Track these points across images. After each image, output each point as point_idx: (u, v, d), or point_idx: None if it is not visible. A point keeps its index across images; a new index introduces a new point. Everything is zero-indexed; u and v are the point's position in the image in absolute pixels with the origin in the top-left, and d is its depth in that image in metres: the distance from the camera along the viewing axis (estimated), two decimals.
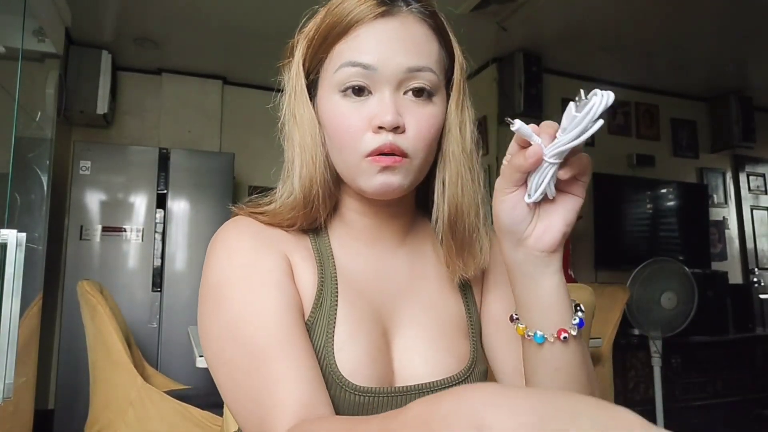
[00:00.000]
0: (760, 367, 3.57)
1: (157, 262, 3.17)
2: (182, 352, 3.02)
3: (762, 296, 4.24)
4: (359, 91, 0.59)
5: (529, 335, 0.55)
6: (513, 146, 0.51)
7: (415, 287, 0.67)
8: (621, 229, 3.83)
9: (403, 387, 0.60)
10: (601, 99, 0.45)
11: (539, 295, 0.54)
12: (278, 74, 0.68)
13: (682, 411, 3.20)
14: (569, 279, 3.30)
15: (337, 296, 0.61)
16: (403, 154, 0.58)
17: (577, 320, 0.55)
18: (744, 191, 4.59)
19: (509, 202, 0.52)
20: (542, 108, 3.58)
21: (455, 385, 0.62)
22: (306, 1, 0.65)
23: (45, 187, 2.51)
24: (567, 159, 0.49)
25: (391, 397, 0.59)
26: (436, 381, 0.62)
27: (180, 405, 1.75)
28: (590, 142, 4.30)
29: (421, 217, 0.71)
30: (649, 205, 4.01)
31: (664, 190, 4.10)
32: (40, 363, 2.43)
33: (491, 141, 3.67)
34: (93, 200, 3.09)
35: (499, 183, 0.52)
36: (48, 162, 2.54)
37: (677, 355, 3.26)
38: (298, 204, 0.62)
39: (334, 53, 0.60)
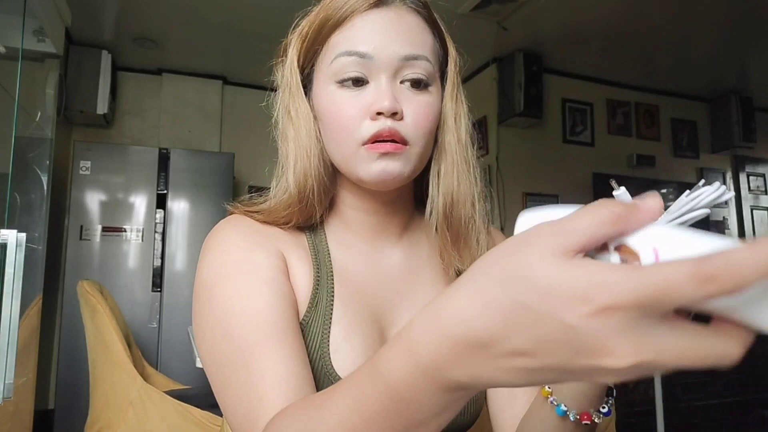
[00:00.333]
0: (760, 367, 3.57)
1: (157, 262, 3.17)
2: (182, 352, 3.02)
3: None
4: (355, 81, 0.59)
5: (553, 403, 0.50)
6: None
7: (411, 285, 0.66)
8: None
9: None
10: (715, 189, 0.34)
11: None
12: (272, 74, 0.68)
13: (682, 411, 3.20)
14: None
15: (333, 296, 0.61)
16: (403, 141, 0.58)
17: (606, 409, 0.50)
18: (744, 191, 4.59)
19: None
20: (542, 108, 3.59)
21: None
22: (306, 2, 0.66)
23: (45, 187, 2.51)
24: None
25: None
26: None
27: (180, 405, 1.75)
28: (590, 142, 4.29)
29: (418, 214, 0.71)
30: None
31: (664, 191, 4.10)
32: (40, 363, 2.43)
33: (491, 141, 3.67)
34: (93, 200, 3.09)
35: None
36: (48, 162, 2.54)
37: None
38: (293, 199, 0.62)
39: (330, 45, 0.60)
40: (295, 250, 0.63)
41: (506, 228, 3.49)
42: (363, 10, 0.59)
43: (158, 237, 3.19)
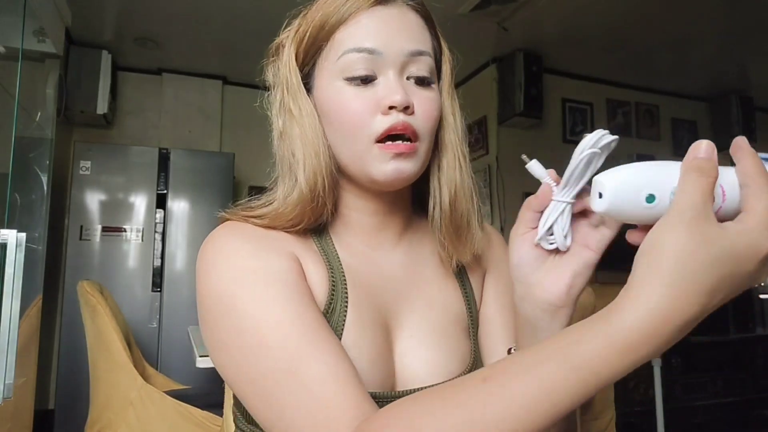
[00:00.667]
0: (760, 367, 3.57)
1: (157, 262, 3.17)
2: (182, 352, 3.02)
3: (762, 296, 4.23)
4: (365, 79, 0.59)
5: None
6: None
7: (414, 286, 0.66)
8: (622, 229, 3.82)
9: (403, 391, 0.59)
10: (595, 134, 0.42)
11: (532, 327, 0.52)
12: (262, 73, 0.68)
13: (682, 411, 3.20)
14: None
15: (347, 301, 0.60)
16: (414, 135, 0.58)
17: None
18: None
19: (520, 243, 0.51)
20: (542, 108, 3.58)
21: None
22: (305, 1, 0.65)
23: (45, 187, 2.51)
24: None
25: (391, 402, 0.58)
26: (438, 384, 0.61)
27: (180, 405, 1.75)
28: None
29: (416, 213, 0.71)
30: None
31: None
32: (40, 363, 2.43)
33: (491, 141, 3.67)
34: (93, 200, 3.09)
35: (515, 225, 0.52)
36: (48, 162, 2.54)
37: (677, 355, 3.26)
38: (305, 198, 0.60)
39: (335, 41, 0.60)
40: (309, 254, 0.61)
41: (506, 228, 3.49)
42: (367, 7, 0.59)
43: (158, 237, 3.19)
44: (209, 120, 3.85)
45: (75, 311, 2.28)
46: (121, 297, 2.82)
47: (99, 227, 3.08)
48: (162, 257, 3.17)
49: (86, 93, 3.26)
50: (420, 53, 0.60)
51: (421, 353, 0.62)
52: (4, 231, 1.52)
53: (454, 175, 0.64)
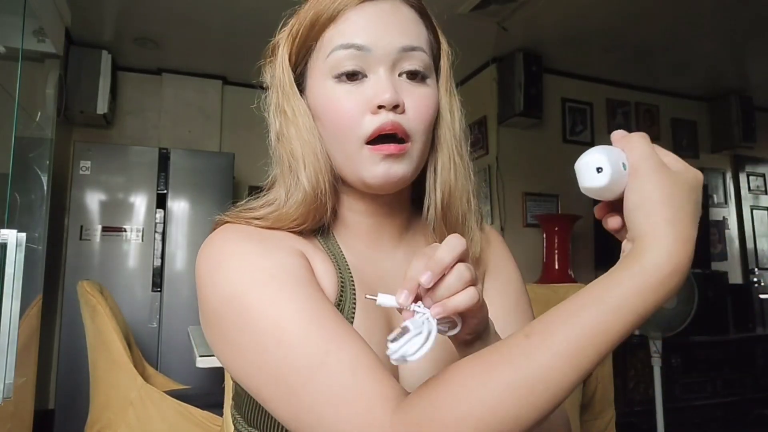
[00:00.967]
0: (760, 367, 3.57)
1: (157, 262, 3.17)
2: (182, 352, 3.02)
3: (762, 296, 4.24)
4: (352, 75, 0.57)
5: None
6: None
7: None
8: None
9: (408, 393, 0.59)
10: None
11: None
12: (260, 74, 0.67)
13: (682, 411, 3.20)
14: (569, 279, 3.30)
15: (355, 302, 0.59)
16: (405, 134, 0.57)
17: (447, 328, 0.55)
18: (744, 191, 4.59)
19: None
20: (542, 108, 3.58)
21: None
22: (303, 1, 0.65)
23: (45, 187, 2.51)
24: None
25: None
26: None
27: (180, 405, 1.75)
28: (590, 142, 4.30)
29: (416, 215, 0.70)
30: None
31: None
32: (40, 363, 2.43)
33: (491, 141, 3.67)
34: (93, 200, 3.09)
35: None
36: (48, 162, 2.54)
37: (677, 355, 3.26)
38: (308, 198, 0.59)
39: (324, 40, 0.59)
40: (316, 252, 0.61)
41: (506, 228, 3.49)
42: (357, 3, 0.58)
43: (158, 237, 3.19)
44: (209, 120, 3.85)
45: (75, 311, 2.28)
46: (121, 297, 2.82)
47: (99, 227, 3.08)
48: (162, 257, 3.17)
49: (86, 93, 3.26)
50: (412, 49, 0.58)
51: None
52: (4, 231, 1.52)
53: (448, 176, 0.62)
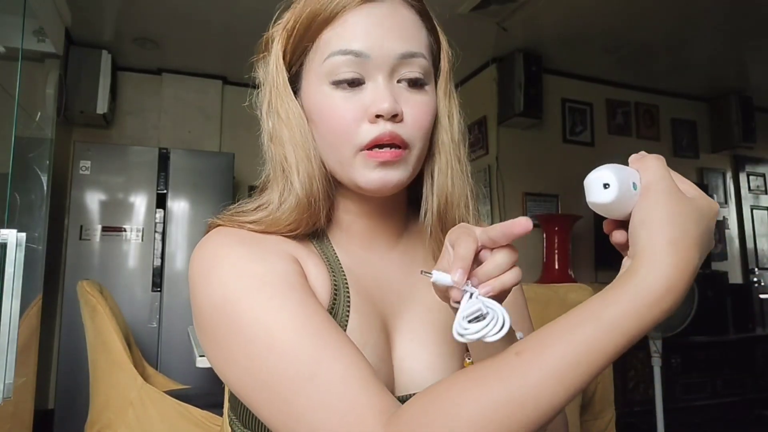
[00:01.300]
0: (760, 367, 3.57)
1: (157, 262, 3.17)
2: (182, 352, 3.02)
3: (762, 296, 4.24)
4: (351, 82, 0.56)
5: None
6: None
7: (411, 290, 0.65)
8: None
9: (403, 396, 0.58)
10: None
11: (477, 342, 0.55)
12: (252, 70, 0.66)
13: (682, 411, 3.20)
14: (569, 279, 3.30)
15: (349, 305, 0.59)
16: (403, 144, 0.56)
17: None
18: (744, 191, 4.59)
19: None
20: (542, 108, 3.58)
21: None
22: None
23: (45, 187, 2.51)
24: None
25: None
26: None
27: (180, 405, 1.75)
28: (590, 142, 4.29)
29: (413, 216, 0.69)
30: None
31: None
32: (40, 363, 2.43)
33: (491, 141, 3.67)
34: (93, 200, 3.09)
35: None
36: (48, 162, 2.54)
37: (677, 355, 3.26)
38: (302, 203, 0.58)
39: (321, 42, 0.57)
40: (309, 257, 0.60)
41: None
42: (356, 4, 0.56)
43: (158, 237, 3.19)
44: (209, 120, 3.85)
45: (75, 311, 2.28)
46: (121, 297, 2.82)
47: (99, 227, 3.08)
48: (162, 257, 3.17)
49: (86, 93, 3.26)
50: (412, 55, 0.57)
51: (421, 357, 0.61)
52: (4, 231, 1.52)
53: (445, 181, 0.62)
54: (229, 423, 0.64)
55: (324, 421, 0.45)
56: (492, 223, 0.54)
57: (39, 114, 2.66)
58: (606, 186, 0.44)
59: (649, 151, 0.48)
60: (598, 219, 4.08)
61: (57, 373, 2.95)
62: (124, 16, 3.09)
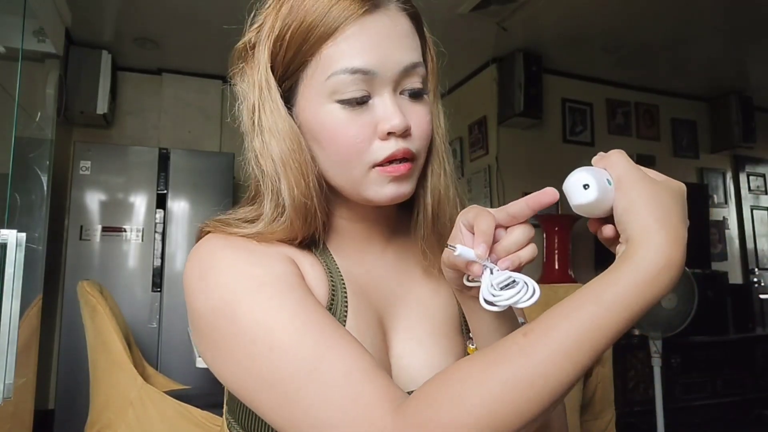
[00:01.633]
0: (760, 367, 3.57)
1: (157, 262, 3.17)
2: (182, 352, 3.02)
3: (762, 296, 4.24)
4: (361, 101, 0.55)
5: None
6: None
7: (407, 287, 0.65)
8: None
9: None
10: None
11: (483, 327, 0.56)
12: (229, 80, 0.61)
13: (682, 411, 3.20)
14: (569, 279, 3.30)
15: (346, 306, 0.59)
16: (413, 157, 0.57)
17: None
18: (744, 191, 4.59)
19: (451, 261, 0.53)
20: (542, 108, 3.58)
21: None
22: None
23: (45, 187, 2.51)
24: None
25: None
26: None
27: (180, 405, 1.75)
28: (590, 142, 4.28)
29: (403, 217, 0.69)
30: None
31: None
32: (40, 363, 2.43)
33: (491, 141, 3.67)
34: (93, 200, 3.09)
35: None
36: (48, 162, 2.54)
37: (677, 355, 3.26)
38: (295, 223, 0.57)
39: (322, 57, 0.54)
40: (306, 258, 0.60)
41: None
42: (356, 17, 0.54)
43: (158, 237, 3.19)
44: (209, 120, 3.85)
45: (75, 311, 2.28)
46: (121, 297, 2.82)
47: (99, 227, 3.08)
48: (162, 257, 3.17)
49: (86, 93, 3.26)
50: (414, 66, 0.56)
51: (418, 355, 0.61)
52: (4, 231, 1.52)
53: (438, 181, 0.62)
54: (227, 425, 0.64)
55: (331, 415, 0.45)
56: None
57: (39, 114, 2.66)
58: (586, 187, 0.46)
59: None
60: (593, 233, 4.07)
61: (57, 373, 2.95)
62: (124, 16, 3.08)
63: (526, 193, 0.49)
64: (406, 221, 0.68)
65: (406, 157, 0.56)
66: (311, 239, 0.62)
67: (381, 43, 0.55)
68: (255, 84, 0.58)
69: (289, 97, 0.58)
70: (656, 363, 2.51)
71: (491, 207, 0.53)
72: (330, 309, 0.58)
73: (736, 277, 4.36)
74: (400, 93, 0.57)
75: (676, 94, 4.28)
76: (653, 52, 3.60)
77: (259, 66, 0.58)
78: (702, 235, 4.13)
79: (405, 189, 0.57)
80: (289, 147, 0.57)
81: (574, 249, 3.46)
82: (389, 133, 0.55)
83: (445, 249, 0.51)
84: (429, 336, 0.63)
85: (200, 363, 1.57)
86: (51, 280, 2.97)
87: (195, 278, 0.54)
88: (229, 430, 0.63)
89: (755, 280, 4.33)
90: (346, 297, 0.59)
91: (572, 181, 0.47)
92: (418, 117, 0.57)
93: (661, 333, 2.50)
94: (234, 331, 0.50)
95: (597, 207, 0.47)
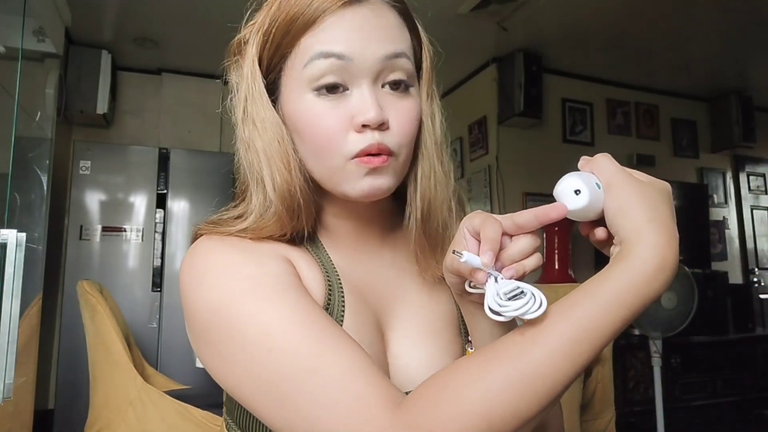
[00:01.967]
0: (760, 367, 3.57)
1: (157, 262, 3.17)
2: (182, 352, 3.02)
3: (762, 296, 4.24)
4: (333, 88, 0.55)
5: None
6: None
7: (403, 288, 0.65)
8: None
9: None
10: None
11: (482, 330, 0.56)
12: (224, 74, 0.63)
13: (682, 411, 3.20)
14: (569, 279, 3.30)
15: (343, 305, 0.59)
16: (390, 153, 0.56)
17: None
18: (744, 191, 4.59)
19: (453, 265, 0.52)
20: (542, 108, 3.58)
21: None
22: None
23: (45, 187, 2.51)
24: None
25: None
26: None
27: (180, 405, 1.75)
28: (590, 142, 4.29)
29: (399, 216, 0.68)
30: None
31: None
32: (40, 363, 2.43)
33: (491, 141, 3.67)
34: (93, 200, 3.09)
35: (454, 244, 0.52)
36: (48, 162, 2.54)
37: (677, 355, 3.26)
38: (282, 216, 0.57)
39: (301, 47, 0.55)
40: (302, 258, 0.60)
41: None
42: (336, 8, 0.54)
43: (158, 237, 3.19)
44: (209, 120, 3.84)
45: (75, 311, 2.28)
46: (121, 297, 2.82)
47: (99, 227, 3.08)
48: (162, 257, 3.17)
49: (86, 93, 3.26)
50: (396, 55, 0.55)
51: (415, 354, 0.61)
52: (4, 231, 1.52)
53: (428, 184, 0.61)
54: (225, 426, 0.64)
55: (330, 415, 0.45)
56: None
57: (39, 114, 2.66)
58: (577, 192, 0.47)
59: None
60: (585, 236, 4.07)
61: (57, 373, 2.95)
62: (124, 16, 3.08)
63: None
64: (401, 220, 0.68)
65: (382, 153, 0.55)
66: (307, 238, 0.62)
67: (359, 32, 0.54)
68: (244, 77, 0.59)
69: (273, 89, 0.59)
70: (656, 363, 2.51)
71: (491, 207, 0.53)
72: (327, 309, 0.58)
73: (736, 277, 4.36)
74: (382, 86, 0.56)
75: (676, 94, 4.28)
76: (653, 52, 3.60)
77: (249, 61, 0.59)
78: (702, 235, 4.13)
79: (382, 183, 0.56)
80: (270, 137, 0.57)
81: (574, 249, 3.46)
82: (364, 126, 0.54)
83: (450, 255, 0.51)
84: (427, 336, 0.63)
85: (200, 363, 1.57)
86: (51, 280, 2.97)
87: (190, 281, 0.54)
88: (228, 431, 0.63)
89: (755, 280, 4.33)
90: (342, 296, 0.59)
91: (563, 186, 0.48)
92: (399, 112, 0.56)
93: (661, 333, 2.50)
94: (231, 333, 0.50)
95: (589, 211, 0.48)
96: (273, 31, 0.57)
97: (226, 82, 0.66)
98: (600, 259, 3.73)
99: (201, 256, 0.56)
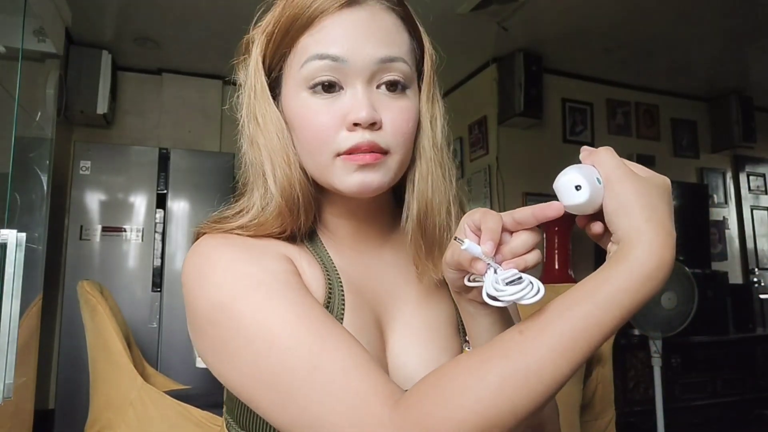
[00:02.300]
0: (760, 367, 3.57)
1: (157, 262, 3.17)
2: (182, 352, 3.02)
3: (762, 296, 4.24)
4: (329, 87, 0.56)
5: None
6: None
7: (403, 288, 0.65)
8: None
9: None
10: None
11: (479, 330, 0.56)
12: (233, 72, 0.65)
13: (682, 411, 3.20)
14: (569, 279, 3.30)
15: (343, 304, 0.59)
16: (383, 151, 0.56)
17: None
18: (744, 191, 4.59)
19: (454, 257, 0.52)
20: (542, 108, 3.58)
21: None
22: None
23: (45, 187, 2.51)
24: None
25: None
26: None
27: (180, 405, 1.75)
28: (590, 142, 4.30)
29: (400, 216, 0.68)
30: None
31: None
32: (40, 363, 2.43)
33: (491, 141, 3.67)
34: (93, 200, 3.09)
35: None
36: (48, 162, 2.54)
37: (677, 355, 3.26)
38: (283, 210, 0.58)
39: (299, 47, 0.57)
40: (303, 256, 0.60)
41: None
42: (334, 10, 0.55)
43: (158, 237, 3.19)
44: (209, 120, 3.84)
45: (75, 311, 2.28)
46: (121, 297, 2.82)
47: (99, 227, 3.08)
48: (162, 257, 3.17)
49: (86, 93, 3.26)
50: (391, 59, 0.56)
51: (415, 352, 0.62)
52: (4, 231, 1.52)
53: (425, 188, 0.61)
54: (226, 425, 0.64)
55: (331, 411, 0.45)
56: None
57: (39, 114, 2.66)
58: (578, 188, 0.47)
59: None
60: (581, 228, 4.07)
61: (57, 373, 2.95)
62: (124, 16, 3.08)
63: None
64: (399, 223, 0.68)
65: (373, 150, 0.55)
66: (308, 237, 0.63)
67: (356, 34, 0.55)
68: (249, 76, 0.61)
69: (275, 87, 0.61)
70: (656, 363, 2.51)
71: (491, 207, 0.53)
72: (327, 307, 0.58)
73: (736, 277, 4.36)
74: (378, 87, 0.57)
75: (676, 94, 4.28)
76: (653, 52, 3.60)
77: (253, 60, 0.61)
78: (702, 235, 4.12)
79: (373, 179, 0.56)
80: (272, 132, 0.59)
81: (574, 249, 3.46)
82: (356, 125, 0.55)
83: (451, 242, 0.51)
84: (425, 335, 0.63)
85: (200, 363, 1.57)
86: (51, 280, 2.97)
87: (192, 279, 0.55)
88: (228, 430, 0.63)
89: (755, 280, 4.33)
90: (343, 295, 0.60)
91: (563, 181, 0.48)
92: (393, 112, 0.57)
93: (661, 333, 2.50)
94: (233, 331, 0.51)
95: (588, 206, 0.48)
96: (275, 31, 0.58)
97: (226, 82, 0.67)
98: (600, 260, 3.72)
99: (203, 255, 0.56)
